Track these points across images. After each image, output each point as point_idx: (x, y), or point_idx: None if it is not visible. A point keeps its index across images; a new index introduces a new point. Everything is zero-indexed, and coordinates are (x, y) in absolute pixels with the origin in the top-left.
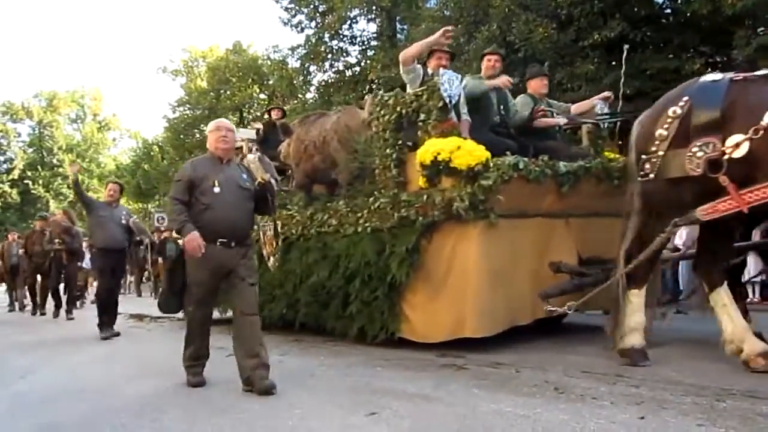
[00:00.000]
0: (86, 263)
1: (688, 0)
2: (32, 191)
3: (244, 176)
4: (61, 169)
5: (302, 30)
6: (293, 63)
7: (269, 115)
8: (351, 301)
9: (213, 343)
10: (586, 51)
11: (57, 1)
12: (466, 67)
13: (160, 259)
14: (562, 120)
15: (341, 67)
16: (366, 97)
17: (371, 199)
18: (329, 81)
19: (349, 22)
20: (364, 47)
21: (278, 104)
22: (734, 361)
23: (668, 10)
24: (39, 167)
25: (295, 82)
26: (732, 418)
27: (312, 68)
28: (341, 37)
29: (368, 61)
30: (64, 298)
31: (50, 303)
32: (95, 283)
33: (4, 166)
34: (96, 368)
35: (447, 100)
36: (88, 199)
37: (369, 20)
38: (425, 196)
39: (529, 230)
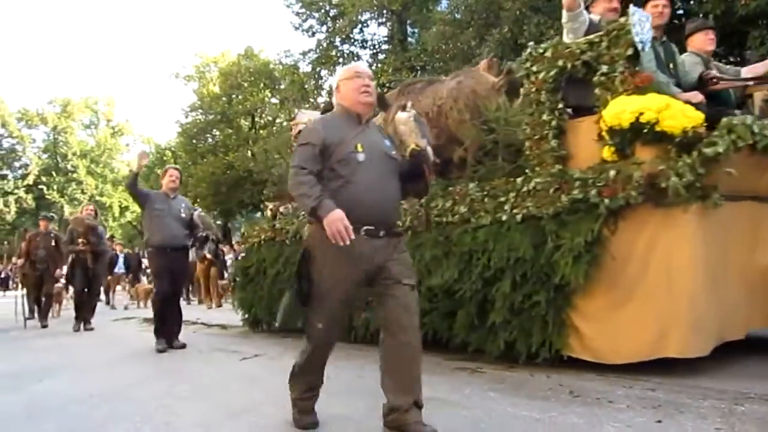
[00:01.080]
0: (119, 267)
1: (700, 1)
2: (47, 196)
3: (388, 142)
4: (75, 175)
5: (313, 34)
6: (304, 67)
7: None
8: (493, 309)
9: (226, 346)
10: None
11: (71, 10)
12: None
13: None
14: (738, 82)
15: None
16: (481, 62)
17: (519, 180)
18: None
19: (359, 26)
20: (375, 51)
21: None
22: (753, 364)
23: (681, 11)
24: (53, 173)
25: (306, 86)
26: (750, 422)
27: (323, 72)
28: (352, 41)
29: (379, 65)
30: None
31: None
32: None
33: (20, 171)
34: (111, 371)
35: (639, 46)
36: (143, 192)
37: (380, 24)
38: (613, 172)
39: (740, 217)
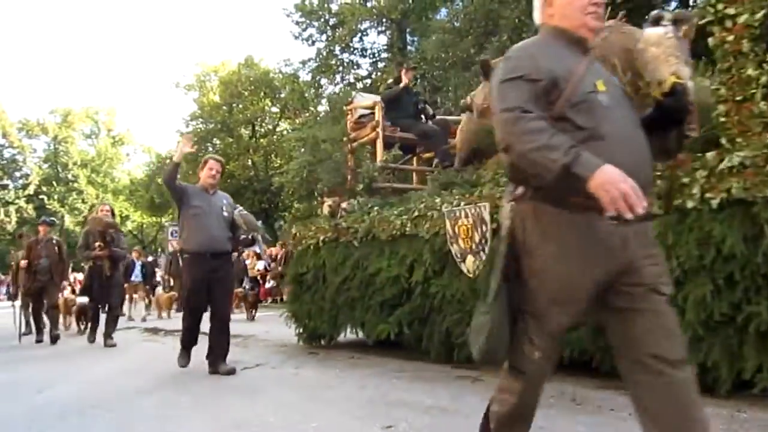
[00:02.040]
0: (136, 275)
1: None
2: (47, 206)
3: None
4: (75, 184)
5: (313, 43)
6: (304, 76)
7: (400, 76)
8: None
9: (234, 356)
10: None
11: (72, 20)
12: (476, 78)
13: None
14: None
15: (352, 80)
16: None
17: (711, 155)
18: (340, 93)
19: (359, 34)
20: (375, 59)
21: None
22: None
23: None
24: (54, 182)
25: (306, 95)
26: (753, 428)
27: (323, 81)
28: (352, 49)
29: (379, 74)
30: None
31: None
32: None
33: (20, 181)
34: (112, 382)
35: None
36: (180, 187)
37: (379, 32)
38: None
39: None
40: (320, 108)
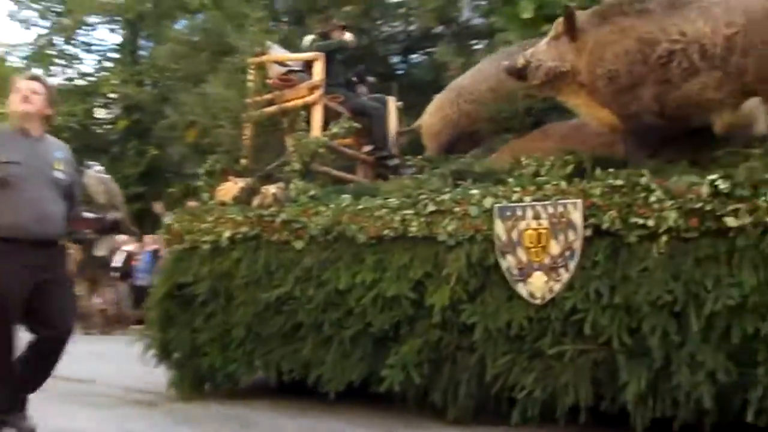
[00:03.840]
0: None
1: None
2: None
3: None
4: None
5: (30, 27)
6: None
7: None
8: None
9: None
10: None
11: None
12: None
13: None
14: None
15: (74, 75)
16: None
17: None
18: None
19: (87, 28)
20: (101, 57)
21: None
22: None
23: None
24: None
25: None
26: None
27: (38, 71)
28: (76, 42)
29: (104, 73)
30: None
31: None
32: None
33: None
34: None
35: None
36: None
37: (111, 30)
38: None
39: None
40: None
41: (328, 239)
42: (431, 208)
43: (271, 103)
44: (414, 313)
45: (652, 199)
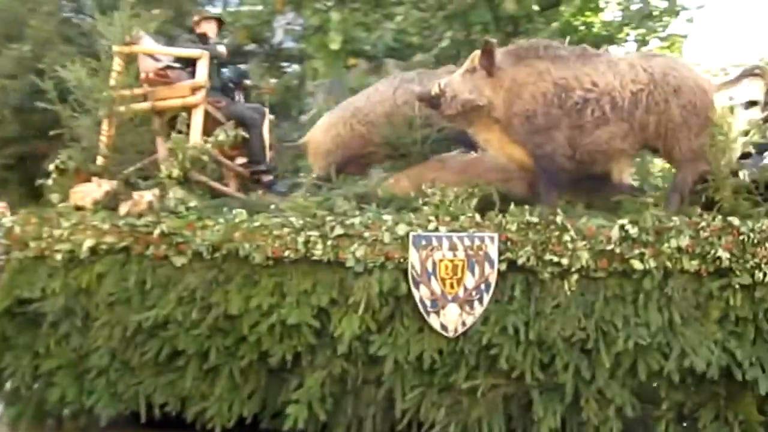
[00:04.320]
0: None
1: None
2: None
3: None
4: None
5: None
6: None
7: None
8: None
9: None
10: None
11: None
12: None
13: None
14: None
15: None
16: None
17: None
18: None
19: None
20: None
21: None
22: None
23: None
24: None
25: None
26: None
27: None
28: None
29: None
30: None
31: None
32: None
33: None
34: None
35: None
36: None
37: None
38: None
39: None
40: None
41: (215, 257)
42: (339, 231)
43: (141, 99)
44: (317, 343)
45: (566, 238)
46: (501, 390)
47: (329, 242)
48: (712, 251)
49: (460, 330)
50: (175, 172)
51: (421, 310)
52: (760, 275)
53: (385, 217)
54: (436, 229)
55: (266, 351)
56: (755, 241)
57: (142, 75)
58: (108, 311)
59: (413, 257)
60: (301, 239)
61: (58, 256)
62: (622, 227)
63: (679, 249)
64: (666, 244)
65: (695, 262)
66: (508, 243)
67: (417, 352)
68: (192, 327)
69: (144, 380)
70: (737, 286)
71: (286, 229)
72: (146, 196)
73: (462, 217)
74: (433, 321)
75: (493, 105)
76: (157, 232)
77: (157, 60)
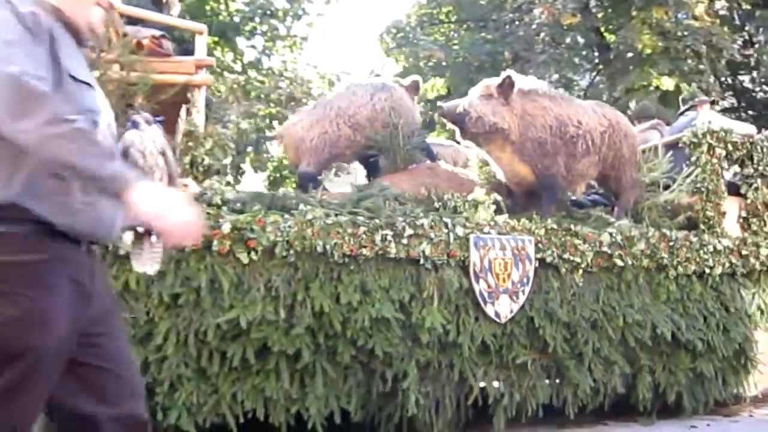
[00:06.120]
0: None
1: None
2: None
3: None
4: None
5: None
6: None
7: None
8: None
9: None
10: None
11: None
12: None
13: None
14: None
15: None
16: None
17: None
18: None
19: None
20: None
21: None
22: None
23: None
24: None
25: None
26: None
27: None
28: None
29: None
30: None
31: None
32: None
33: None
34: None
35: None
36: None
37: None
38: None
39: None
40: None
41: (289, 254)
42: (409, 231)
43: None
44: (402, 335)
45: (577, 241)
46: (542, 362)
47: (403, 241)
48: (657, 253)
49: (509, 316)
50: (208, 161)
51: (480, 301)
52: (682, 269)
53: (445, 219)
54: (488, 232)
55: (362, 346)
56: (678, 245)
57: (145, 42)
58: (168, 314)
59: (474, 256)
60: (378, 237)
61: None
62: (610, 234)
63: (640, 251)
64: (634, 247)
65: (647, 261)
66: (539, 245)
67: (479, 336)
68: (282, 326)
69: (225, 387)
70: (671, 277)
71: (362, 228)
72: (192, 186)
73: (501, 222)
74: (489, 310)
75: (510, 129)
76: (226, 227)
77: (143, 26)
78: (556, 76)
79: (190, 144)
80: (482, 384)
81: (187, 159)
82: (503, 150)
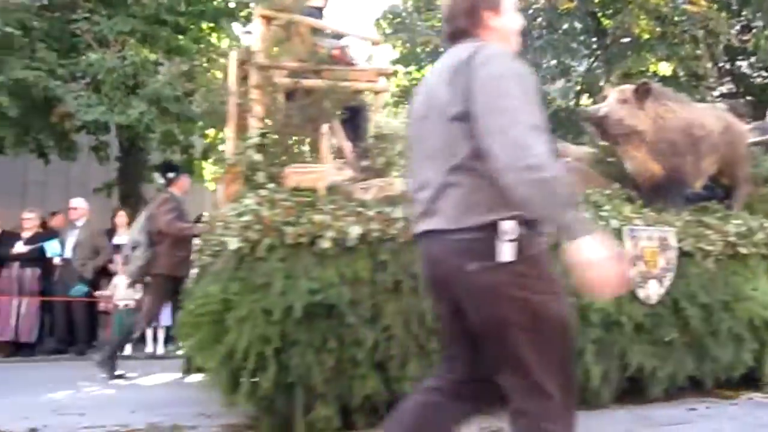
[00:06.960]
0: None
1: None
2: None
3: None
4: None
5: None
6: None
7: None
8: None
9: None
10: None
11: None
12: None
13: None
14: None
15: None
16: None
17: None
18: None
19: None
20: None
21: None
22: None
23: None
24: None
25: None
26: None
27: None
28: None
29: None
30: None
31: None
32: None
33: None
34: None
35: None
36: None
37: None
38: None
39: None
40: None
41: None
42: None
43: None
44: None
45: (708, 232)
46: (685, 339)
47: None
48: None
49: (656, 299)
50: (395, 159)
51: (633, 285)
52: None
53: (601, 212)
54: (636, 225)
55: None
56: None
57: (328, 52)
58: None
59: (629, 245)
60: None
61: (326, 244)
62: (735, 225)
63: (761, 240)
64: (755, 237)
65: (765, 249)
66: (679, 234)
67: (635, 317)
68: None
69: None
70: None
71: None
72: (396, 184)
73: (645, 215)
74: (640, 293)
75: (646, 131)
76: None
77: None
78: (553, 62)
79: (384, 145)
80: (639, 359)
81: (382, 160)
82: (639, 149)
